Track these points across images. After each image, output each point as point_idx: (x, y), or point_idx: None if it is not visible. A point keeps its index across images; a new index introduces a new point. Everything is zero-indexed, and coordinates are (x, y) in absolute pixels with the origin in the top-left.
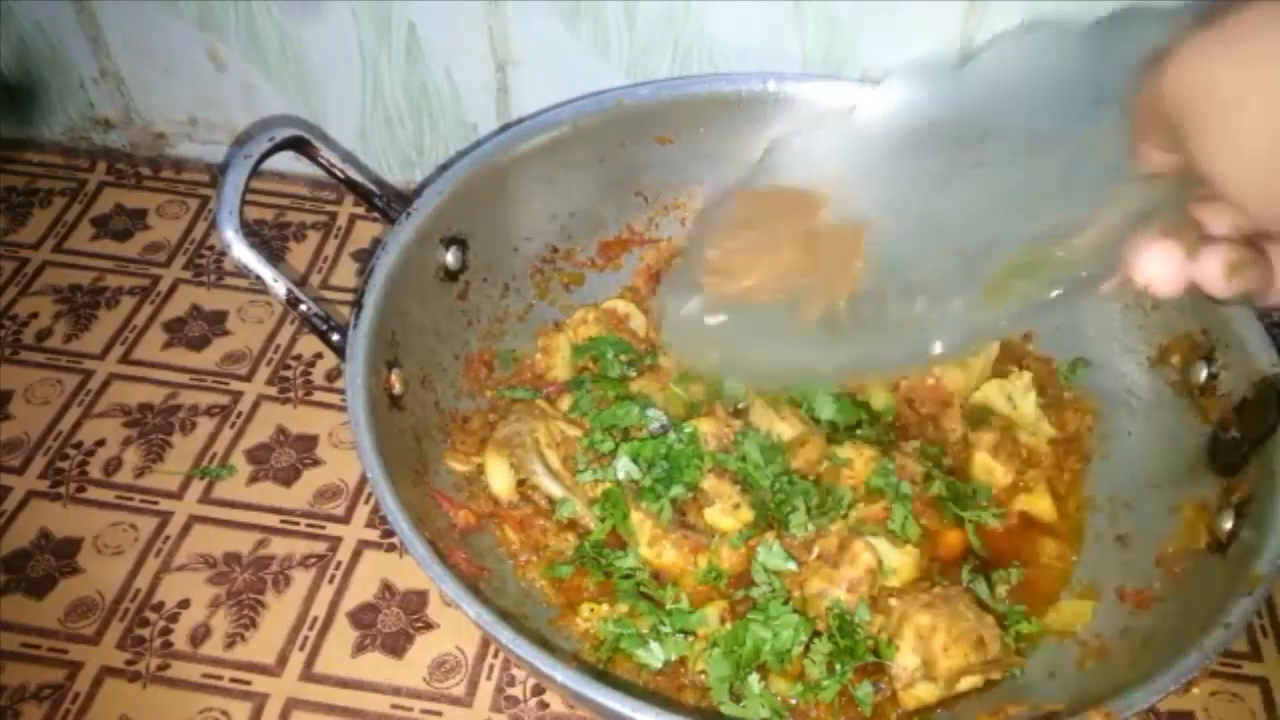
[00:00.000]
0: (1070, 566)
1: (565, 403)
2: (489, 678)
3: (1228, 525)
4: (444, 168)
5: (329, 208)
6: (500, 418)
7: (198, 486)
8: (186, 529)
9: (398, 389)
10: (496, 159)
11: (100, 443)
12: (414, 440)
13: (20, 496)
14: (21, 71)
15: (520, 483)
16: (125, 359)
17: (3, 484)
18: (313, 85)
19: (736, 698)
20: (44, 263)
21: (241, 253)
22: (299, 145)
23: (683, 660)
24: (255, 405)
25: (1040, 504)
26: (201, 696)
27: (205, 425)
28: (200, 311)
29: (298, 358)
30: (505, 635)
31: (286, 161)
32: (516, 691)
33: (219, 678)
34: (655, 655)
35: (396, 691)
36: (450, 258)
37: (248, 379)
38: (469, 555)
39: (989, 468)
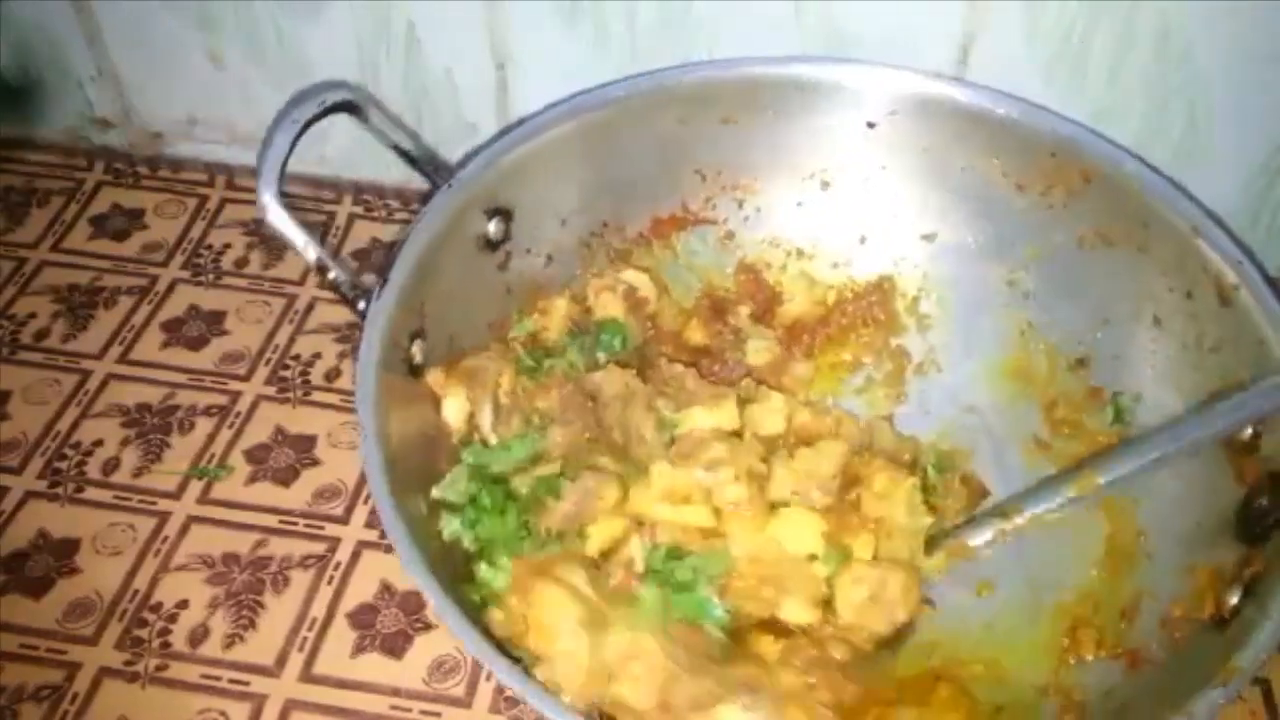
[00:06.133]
0: None
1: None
2: (488, 678)
3: (1234, 600)
4: (503, 133)
5: (329, 207)
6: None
7: (196, 487)
8: (185, 529)
9: (418, 359)
10: (552, 130)
11: (98, 443)
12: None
13: (18, 497)
14: (20, 71)
15: (469, 417)
16: (123, 359)
17: (0, 484)
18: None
19: None
20: (42, 262)
21: (277, 216)
22: (350, 109)
23: None
24: (254, 405)
25: None
26: (200, 697)
27: (203, 425)
28: (198, 311)
29: (296, 358)
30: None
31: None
32: None
33: (217, 678)
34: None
35: (396, 692)
36: (493, 228)
37: (246, 379)
38: None
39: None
